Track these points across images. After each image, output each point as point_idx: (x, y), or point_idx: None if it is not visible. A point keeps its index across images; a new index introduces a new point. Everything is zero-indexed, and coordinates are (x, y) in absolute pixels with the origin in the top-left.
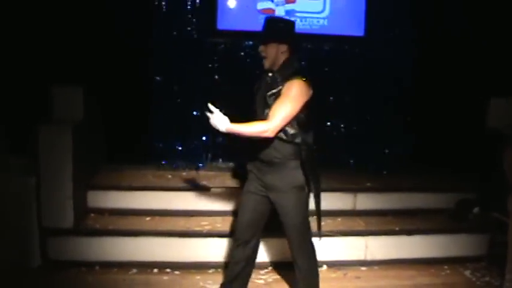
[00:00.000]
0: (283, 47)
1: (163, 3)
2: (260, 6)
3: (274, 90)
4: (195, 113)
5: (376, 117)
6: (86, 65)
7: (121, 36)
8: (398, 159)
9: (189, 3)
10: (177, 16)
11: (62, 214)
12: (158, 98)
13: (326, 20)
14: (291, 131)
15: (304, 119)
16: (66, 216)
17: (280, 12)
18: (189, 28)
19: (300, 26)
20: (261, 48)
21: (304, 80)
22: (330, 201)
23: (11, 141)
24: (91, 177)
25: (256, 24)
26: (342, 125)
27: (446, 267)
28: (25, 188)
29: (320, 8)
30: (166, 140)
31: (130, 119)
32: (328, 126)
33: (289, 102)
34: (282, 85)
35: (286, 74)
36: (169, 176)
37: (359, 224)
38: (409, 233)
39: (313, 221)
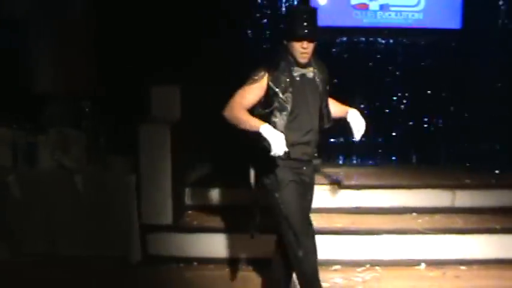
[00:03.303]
0: None
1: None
2: (354, 1)
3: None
4: None
5: (474, 112)
6: (183, 65)
7: (217, 36)
8: (498, 155)
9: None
10: (271, 14)
11: (161, 211)
12: None
13: (421, 13)
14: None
15: None
16: (165, 213)
17: (374, 7)
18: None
19: (394, 20)
20: (311, 45)
21: None
22: (428, 198)
23: (112, 141)
24: (188, 175)
25: (350, 20)
26: (440, 120)
27: None
28: (126, 186)
29: (415, 2)
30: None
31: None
32: (425, 121)
33: None
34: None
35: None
36: None
37: (458, 222)
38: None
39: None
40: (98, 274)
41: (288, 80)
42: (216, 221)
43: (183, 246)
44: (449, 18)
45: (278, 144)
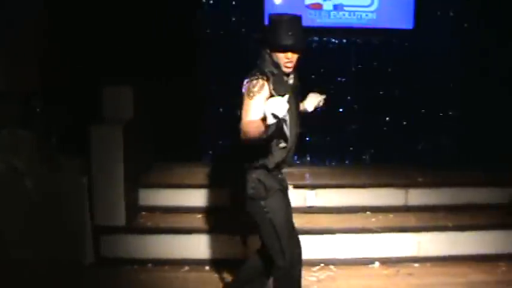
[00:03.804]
0: None
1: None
2: (308, 1)
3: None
4: None
5: (426, 111)
6: (136, 64)
7: (170, 34)
8: (450, 153)
9: None
10: (225, 12)
11: (114, 212)
12: (207, 94)
13: (374, 13)
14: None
15: None
16: (118, 214)
17: (328, 6)
18: (237, 24)
19: (348, 20)
20: (295, 55)
21: None
22: (381, 196)
23: (63, 142)
24: (142, 176)
25: (305, 20)
26: (392, 119)
27: (501, 264)
28: (78, 187)
29: (368, 2)
30: (217, 137)
31: (180, 117)
32: (377, 120)
33: None
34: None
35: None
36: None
37: (411, 220)
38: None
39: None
40: (49, 277)
41: (282, 84)
42: (171, 222)
43: (137, 247)
44: (402, 19)
45: (279, 107)
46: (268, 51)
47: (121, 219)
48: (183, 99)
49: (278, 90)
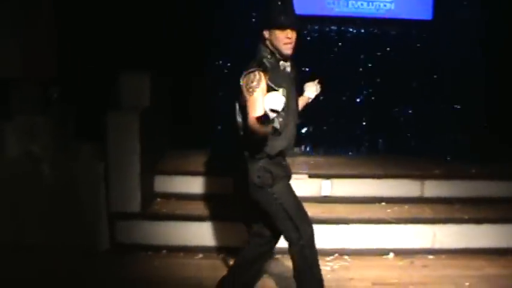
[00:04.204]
0: None
1: None
2: None
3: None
4: None
5: (444, 102)
6: (153, 51)
7: (188, 22)
8: (467, 146)
9: None
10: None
11: (129, 199)
12: (222, 82)
13: (393, 3)
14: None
15: None
16: (133, 200)
17: None
18: (253, 13)
19: (366, 10)
20: (294, 34)
21: None
22: (397, 187)
23: (80, 128)
24: (158, 162)
25: (322, 9)
26: (410, 111)
27: None
28: (94, 174)
29: None
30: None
31: (197, 103)
32: (395, 111)
33: None
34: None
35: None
36: None
37: (427, 211)
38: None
39: None
40: (65, 262)
41: (279, 74)
42: (186, 209)
43: (152, 234)
44: (421, 9)
45: (276, 102)
46: (267, 35)
47: (136, 206)
48: (200, 86)
49: (275, 79)
